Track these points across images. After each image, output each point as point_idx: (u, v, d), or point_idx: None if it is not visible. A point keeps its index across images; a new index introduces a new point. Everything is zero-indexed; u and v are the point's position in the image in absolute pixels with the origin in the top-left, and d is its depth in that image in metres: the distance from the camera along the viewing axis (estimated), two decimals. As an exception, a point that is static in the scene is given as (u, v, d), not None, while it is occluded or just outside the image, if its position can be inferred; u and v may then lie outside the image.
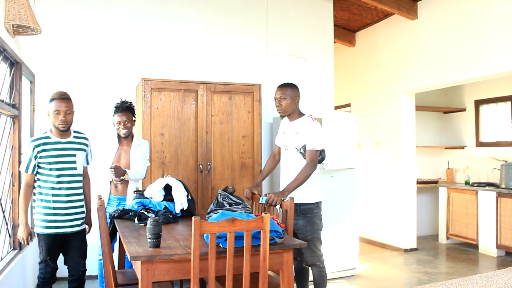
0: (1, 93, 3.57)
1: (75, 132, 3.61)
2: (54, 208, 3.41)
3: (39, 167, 3.40)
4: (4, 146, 3.78)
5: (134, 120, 4.18)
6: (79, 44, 5.13)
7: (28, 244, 3.46)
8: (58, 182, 3.42)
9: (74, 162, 3.52)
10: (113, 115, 4.12)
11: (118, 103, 4.13)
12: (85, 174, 3.72)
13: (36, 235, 3.49)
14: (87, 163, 3.74)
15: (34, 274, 4.58)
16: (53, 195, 3.41)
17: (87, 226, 3.74)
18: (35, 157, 3.37)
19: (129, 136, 4.16)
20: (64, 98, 3.45)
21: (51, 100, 3.44)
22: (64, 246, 3.53)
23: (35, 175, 3.42)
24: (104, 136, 4.54)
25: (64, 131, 3.47)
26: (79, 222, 3.56)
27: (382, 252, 6.59)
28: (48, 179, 3.40)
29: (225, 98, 4.94)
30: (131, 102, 4.18)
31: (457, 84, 6.17)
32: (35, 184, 3.44)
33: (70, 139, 3.54)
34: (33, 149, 3.37)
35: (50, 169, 3.40)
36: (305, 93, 5.89)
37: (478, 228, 6.40)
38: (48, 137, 3.45)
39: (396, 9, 6.18)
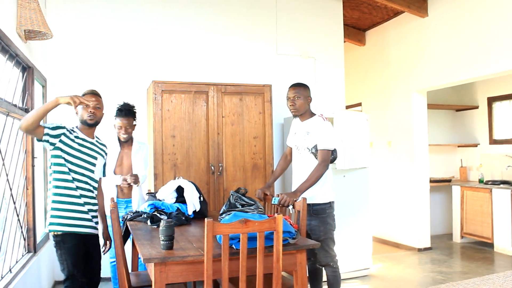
0: (14, 97, 3.61)
1: (97, 137, 3.45)
2: (75, 204, 3.17)
3: (55, 163, 3.14)
4: (18, 150, 3.81)
5: (135, 125, 4.22)
6: (90, 48, 5.17)
7: (83, 102, 3.07)
8: (80, 181, 3.20)
9: (94, 165, 3.31)
10: (115, 117, 4.14)
11: (120, 106, 4.14)
12: (98, 186, 3.47)
13: (56, 246, 3.14)
14: (103, 175, 3.54)
15: (48, 276, 4.62)
16: (73, 194, 3.17)
17: (108, 242, 3.56)
18: (58, 136, 3.12)
19: (129, 140, 4.22)
20: (94, 93, 3.35)
21: (82, 96, 3.27)
22: (86, 253, 3.27)
23: (51, 174, 3.17)
24: (114, 139, 4.55)
25: (92, 125, 3.29)
26: (96, 225, 3.37)
27: (396, 252, 6.55)
28: (68, 177, 3.15)
29: (235, 99, 4.94)
30: (133, 106, 4.19)
31: (469, 81, 6.10)
32: (52, 185, 3.17)
33: (94, 141, 3.36)
34: (63, 128, 3.15)
35: (72, 163, 3.17)
36: (316, 93, 5.87)
37: (493, 227, 6.32)
38: (75, 131, 3.26)
39: (406, 7, 6.14)
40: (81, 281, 3.18)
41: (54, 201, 3.16)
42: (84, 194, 3.25)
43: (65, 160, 3.17)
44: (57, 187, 3.17)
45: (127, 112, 4.10)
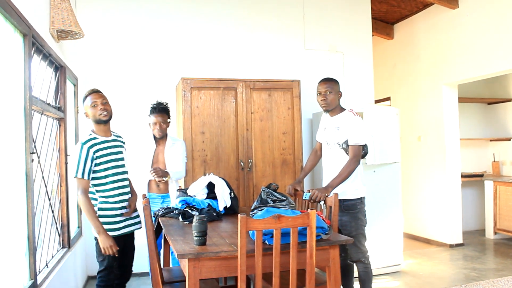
0: (48, 96, 3.68)
1: (112, 131, 3.43)
2: (120, 208, 3.30)
3: (94, 171, 3.19)
4: (52, 148, 3.89)
5: (169, 122, 4.24)
6: (120, 46, 5.23)
7: (115, 254, 3.17)
8: (116, 181, 3.29)
9: (123, 159, 3.39)
10: (149, 115, 4.19)
11: (154, 104, 4.19)
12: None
13: (97, 239, 3.21)
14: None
15: (83, 271, 4.72)
16: (116, 195, 3.28)
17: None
18: (92, 160, 3.15)
19: (164, 137, 4.23)
20: (96, 91, 3.30)
21: (85, 97, 3.28)
22: (123, 248, 3.33)
23: (92, 186, 3.25)
24: (145, 137, 4.60)
25: (106, 121, 3.27)
26: (138, 220, 3.48)
27: (427, 248, 6.45)
28: (107, 180, 3.24)
29: (264, 95, 4.93)
30: (167, 103, 4.24)
31: (501, 73, 5.94)
32: (93, 189, 3.25)
33: (113, 137, 3.38)
34: (88, 152, 3.14)
35: (106, 169, 3.23)
36: (344, 88, 5.80)
37: (528, 223, 6.18)
38: (95, 138, 3.24)
39: (436, -1, 6.03)
40: (116, 273, 3.28)
41: (101, 210, 3.25)
42: (122, 193, 3.33)
43: (103, 163, 3.23)
44: (102, 197, 3.26)
45: (160, 109, 4.14)
